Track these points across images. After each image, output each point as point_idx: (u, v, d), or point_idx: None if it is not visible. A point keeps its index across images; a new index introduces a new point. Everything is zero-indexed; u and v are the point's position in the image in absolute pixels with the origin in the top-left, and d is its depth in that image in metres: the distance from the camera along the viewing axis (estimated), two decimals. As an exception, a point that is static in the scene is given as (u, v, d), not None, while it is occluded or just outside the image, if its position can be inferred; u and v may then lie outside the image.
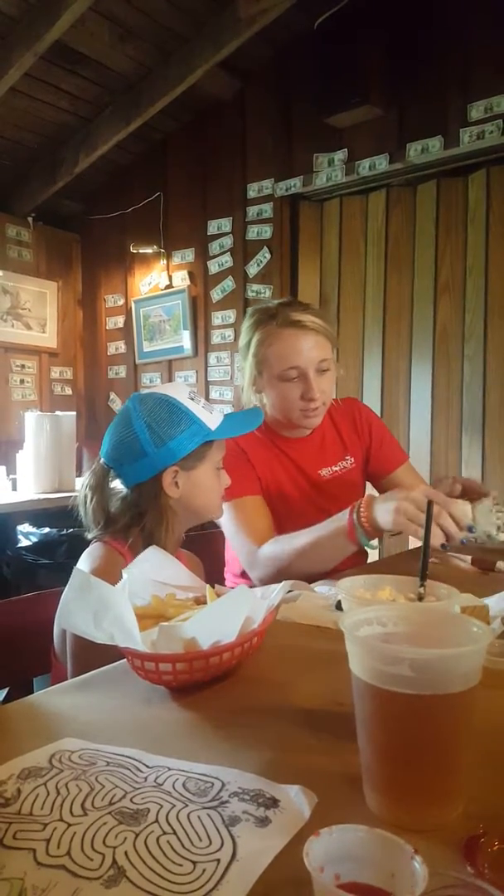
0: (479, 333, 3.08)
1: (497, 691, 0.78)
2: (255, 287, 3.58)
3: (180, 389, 1.23)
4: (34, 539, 2.86)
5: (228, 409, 3.73)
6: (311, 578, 1.31)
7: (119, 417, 1.22)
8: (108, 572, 0.89)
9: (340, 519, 1.31)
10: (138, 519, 1.19)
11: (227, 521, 1.51)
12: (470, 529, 1.27)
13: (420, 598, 0.86)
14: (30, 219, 4.11)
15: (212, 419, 1.21)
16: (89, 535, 1.24)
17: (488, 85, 2.79)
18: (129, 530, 1.20)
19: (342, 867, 0.44)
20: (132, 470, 1.19)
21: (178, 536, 1.25)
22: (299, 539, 1.37)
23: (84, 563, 1.17)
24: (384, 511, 1.25)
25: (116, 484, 1.24)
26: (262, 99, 3.52)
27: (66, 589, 0.87)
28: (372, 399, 3.33)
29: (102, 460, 1.23)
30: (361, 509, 1.28)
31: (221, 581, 1.65)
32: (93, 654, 0.92)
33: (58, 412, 3.57)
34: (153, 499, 1.19)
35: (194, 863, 0.48)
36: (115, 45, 3.18)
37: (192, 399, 1.21)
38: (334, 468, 1.64)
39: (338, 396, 1.71)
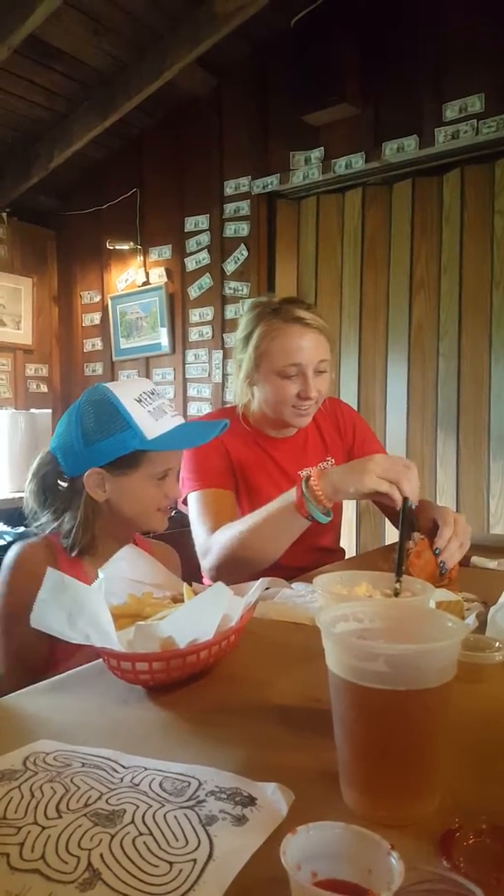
0: (453, 331, 3.10)
1: (472, 685, 0.78)
2: (233, 284, 3.57)
3: (130, 388, 1.15)
4: (9, 538, 2.83)
5: (207, 407, 3.71)
6: (288, 575, 1.31)
7: (70, 407, 1.19)
8: (28, 571, 0.86)
9: (290, 493, 1.26)
10: (61, 513, 1.17)
11: (191, 511, 1.49)
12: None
13: (396, 593, 0.87)
14: (4, 214, 4.05)
15: (154, 427, 1.12)
16: (32, 527, 1.21)
17: (462, 85, 2.80)
18: (53, 523, 1.18)
19: (319, 864, 0.44)
20: (65, 463, 1.17)
21: (105, 539, 1.18)
22: (250, 519, 1.32)
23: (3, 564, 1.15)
24: (345, 473, 1.21)
25: None
26: (239, 96, 3.51)
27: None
28: (349, 396, 3.34)
29: (49, 448, 1.21)
30: (312, 479, 1.22)
31: (199, 578, 1.65)
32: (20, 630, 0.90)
33: (33, 410, 3.54)
34: (76, 496, 1.16)
35: (171, 863, 0.48)
36: (90, 40, 3.14)
37: (141, 401, 1.13)
38: (315, 469, 1.63)
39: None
